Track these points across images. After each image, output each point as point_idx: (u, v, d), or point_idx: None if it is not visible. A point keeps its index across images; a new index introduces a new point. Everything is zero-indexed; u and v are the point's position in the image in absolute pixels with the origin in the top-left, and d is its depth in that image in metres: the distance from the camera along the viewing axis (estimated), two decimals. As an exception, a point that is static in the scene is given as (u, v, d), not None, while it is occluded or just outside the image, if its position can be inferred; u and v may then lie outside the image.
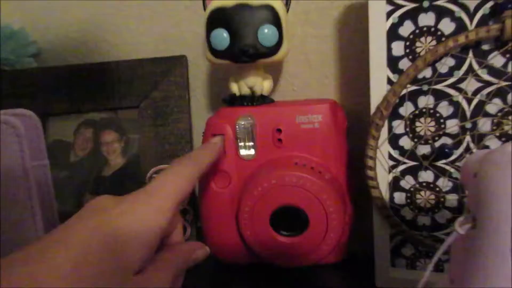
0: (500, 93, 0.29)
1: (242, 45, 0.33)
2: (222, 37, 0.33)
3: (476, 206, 0.17)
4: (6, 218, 0.27)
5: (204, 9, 0.35)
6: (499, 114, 0.29)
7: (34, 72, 0.46)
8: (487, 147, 0.30)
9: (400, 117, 0.32)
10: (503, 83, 0.29)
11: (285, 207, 0.34)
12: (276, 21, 0.33)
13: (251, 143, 0.36)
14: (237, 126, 0.36)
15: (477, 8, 0.29)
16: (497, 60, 0.29)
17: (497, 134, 0.30)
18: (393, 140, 0.32)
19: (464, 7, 0.29)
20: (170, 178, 0.25)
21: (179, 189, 0.25)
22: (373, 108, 0.31)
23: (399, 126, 0.32)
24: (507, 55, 0.29)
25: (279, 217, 0.34)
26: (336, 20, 0.39)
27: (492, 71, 0.29)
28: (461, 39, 0.28)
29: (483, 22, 0.29)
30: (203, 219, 0.39)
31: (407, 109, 0.31)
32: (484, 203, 0.17)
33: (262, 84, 0.37)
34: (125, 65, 0.45)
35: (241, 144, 0.36)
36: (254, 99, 0.37)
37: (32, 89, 0.45)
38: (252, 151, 0.36)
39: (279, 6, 0.34)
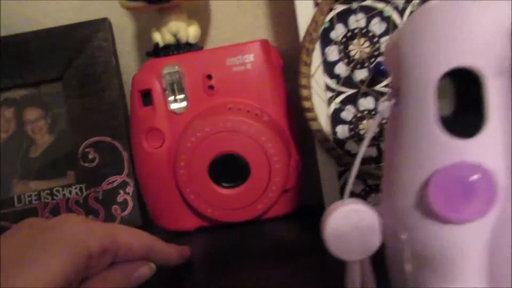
0: None
1: (154, -19, 0.30)
2: (130, -25, 0.30)
3: (398, 79, 0.15)
4: None
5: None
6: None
7: None
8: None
9: (333, 41, 0.29)
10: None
11: (222, 156, 0.31)
12: (189, -47, 0.30)
13: (181, 95, 0.33)
14: (163, 78, 0.33)
15: None
16: (424, -36, 0.27)
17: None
18: (329, 68, 0.30)
19: None
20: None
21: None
22: (302, 34, 0.29)
23: (332, 52, 0.29)
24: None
25: (218, 168, 0.32)
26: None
27: (421, -23, 0.27)
28: None
29: None
30: (142, 187, 0.36)
31: (337, 31, 0.29)
32: (406, 71, 0.14)
33: (186, 30, 0.34)
34: (43, 34, 0.41)
35: (170, 95, 0.33)
36: (180, 47, 0.34)
37: None
38: (183, 104, 0.33)
39: None
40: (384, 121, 0.16)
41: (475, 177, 0.13)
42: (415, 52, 0.14)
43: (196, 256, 0.29)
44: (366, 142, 0.16)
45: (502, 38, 0.13)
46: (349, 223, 0.16)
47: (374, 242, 0.16)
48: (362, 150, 0.16)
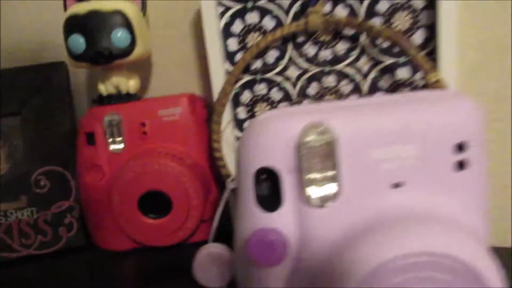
0: (317, 77, 0.35)
1: (96, 48, 0.36)
2: (78, 42, 0.36)
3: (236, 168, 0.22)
4: None
5: (65, 9, 0.38)
6: (317, 95, 0.35)
7: None
8: (311, 124, 0.35)
9: (242, 104, 0.36)
10: (315, 69, 0.34)
11: (150, 192, 0.38)
12: (128, 25, 0.37)
13: (119, 138, 0.39)
14: (105, 123, 0.39)
15: (291, 6, 0.34)
16: (309, 49, 0.34)
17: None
18: (239, 124, 0.37)
19: (279, 7, 0.34)
20: None
21: None
22: (216, 98, 0.36)
23: (241, 112, 0.36)
24: (317, 44, 0.34)
25: (146, 202, 0.38)
26: (193, 21, 0.43)
27: (307, 59, 0.34)
28: (278, 33, 0.33)
29: (296, 18, 0.34)
30: (85, 212, 0.42)
31: (245, 96, 0.36)
32: (239, 165, 0.21)
33: (127, 83, 0.40)
34: (6, 73, 0.46)
35: (110, 139, 0.39)
36: (121, 97, 0.40)
37: None
38: (121, 145, 0.39)
39: (130, 11, 0.37)
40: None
41: (271, 237, 0.20)
42: (241, 153, 0.21)
43: (126, 273, 0.35)
44: (219, 210, 0.23)
45: (291, 149, 0.20)
46: (208, 258, 0.23)
47: (227, 274, 0.23)
48: (218, 213, 0.23)
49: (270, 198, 0.20)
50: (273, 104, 0.36)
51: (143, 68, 0.45)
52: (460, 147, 0.20)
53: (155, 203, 0.38)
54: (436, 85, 0.29)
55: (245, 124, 0.37)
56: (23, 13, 0.47)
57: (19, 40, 0.48)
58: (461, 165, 0.20)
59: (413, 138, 0.19)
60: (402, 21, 0.32)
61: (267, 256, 0.20)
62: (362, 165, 0.19)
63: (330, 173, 0.19)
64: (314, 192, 0.20)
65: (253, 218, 0.20)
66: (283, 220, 0.20)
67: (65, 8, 0.38)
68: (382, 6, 0.32)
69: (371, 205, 0.20)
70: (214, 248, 0.23)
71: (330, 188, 0.20)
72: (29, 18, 0.47)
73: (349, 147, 0.19)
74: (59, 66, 0.47)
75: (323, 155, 0.19)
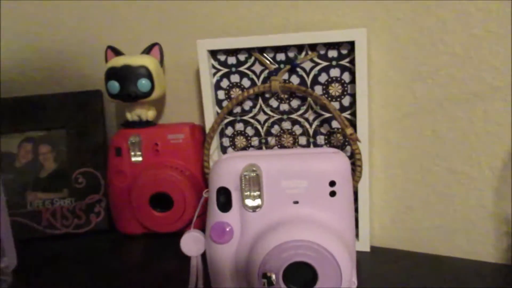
0: (278, 122, 0.50)
1: (127, 92, 0.52)
2: (114, 86, 0.52)
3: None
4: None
5: (106, 61, 0.54)
6: (278, 134, 0.50)
7: (-13, 102, 0.62)
8: (272, 153, 0.51)
9: (226, 136, 0.52)
10: (277, 116, 0.49)
11: (158, 194, 0.53)
12: (149, 75, 0.52)
13: (139, 152, 0.55)
14: (129, 142, 0.55)
15: (261, 73, 0.49)
16: (273, 103, 0.49)
17: (279, 146, 0.50)
18: (223, 150, 0.52)
19: (253, 72, 0.49)
20: None
21: None
22: (208, 131, 0.51)
23: (225, 141, 0.52)
24: (278, 100, 0.49)
25: (156, 200, 0.54)
26: (196, 70, 0.58)
27: (271, 109, 0.50)
28: (251, 91, 0.48)
29: (264, 81, 0.49)
30: (111, 205, 0.58)
31: (229, 131, 0.51)
32: (209, 183, 0.36)
33: (147, 113, 0.56)
34: (57, 96, 0.62)
35: (132, 152, 0.55)
36: (141, 124, 0.56)
37: (-14, 115, 0.62)
38: (139, 158, 0.55)
39: (152, 65, 0.53)
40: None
41: (223, 227, 0.35)
42: (211, 177, 0.36)
43: (137, 249, 0.51)
44: (198, 209, 0.38)
45: (237, 177, 0.35)
46: (189, 237, 0.38)
47: (201, 248, 0.38)
48: (197, 211, 0.38)
49: (225, 204, 0.36)
50: (247, 137, 0.51)
51: (158, 102, 0.60)
52: (332, 183, 0.35)
53: (162, 201, 0.54)
54: (351, 137, 0.44)
55: (227, 150, 0.52)
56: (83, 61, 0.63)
57: (65, 70, 0.64)
58: (332, 194, 0.35)
59: (305, 176, 0.35)
60: (335, 89, 0.47)
61: (221, 237, 0.35)
62: (275, 189, 0.35)
63: (257, 193, 0.35)
64: (249, 203, 0.35)
65: (215, 215, 0.36)
66: (232, 218, 0.35)
67: (106, 60, 0.54)
68: (322, 78, 0.47)
69: (280, 212, 0.35)
70: (193, 232, 0.38)
71: (257, 202, 0.35)
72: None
73: (268, 178, 0.35)
74: (96, 93, 0.63)
75: (253, 182, 0.35)
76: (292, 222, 0.34)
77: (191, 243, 0.38)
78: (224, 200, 0.36)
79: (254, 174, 0.35)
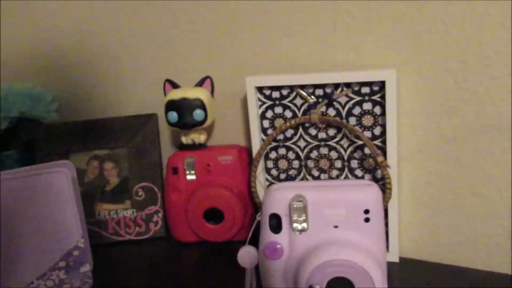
0: (316, 148, 0.57)
1: (184, 121, 0.60)
2: (173, 116, 0.60)
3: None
4: (64, 219, 0.53)
5: (165, 94, 0.62)
6: (316, 158, 0.57)
7: (59, 125, 0.72)
8: (311, 175, 0.57)
9: (270, 159, 0.59)
10: (315, 143, 0.56)
11: (211, 208, 0.61)
12: (203, 106, 0.60)
13: (193, 171, 0.63)
14: (184, 163, 0.63)
15: (301, 106, 0.56)
16: (312, 131, 0.56)
17: (316, 168, 0.57)
18: (268, 171, 0.60)
19: (295, 105, 0.56)
20: None
21: None
22: (254, 155, 0.58)
23: (270, 164, 0.59)
24: (316, 129, 0.56)
25: (209, 214, 0.62)
26: (240, 102, 0.65)
27: (311, 137, 0.57)
28: (293, 121, 0.55)
29: (304, 113, 0.56)
30: (168, 216, 0.66)
31: (272, 155, 0.59)
32: (262, 208, 0.44)
33: (199, 137, 0.64)
34: (120, 119, 0.71)
35: (187, 172, 0.63)
36: (195, 146, 0.64)
37: (59, 136, 0.71)
38: (193, 176, 0.63)
39: (205, 97, 0.61)
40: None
41: (276, 246, 0.42)
42: (264, 204, 0.43)
43: (191, 256, 0.59)
44: (252, 229, 0.46)
45: (287, 205, 0.42)
46: (245, 253, 0.46)
47: (254, 261, 0.46)
48: (251, 230, 0.46)
49: (276, 227, 0.43)
50: (289, 161, 0.58)
51: (210, 127, 0.68)
52: (366, 211, 0.41)
53: (213, 214, 0.62)
54: (382, 164, 0.50)
55: (272, 171, 0.59)
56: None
57: (125, 95, 0.73)
58: (367, 220, 0.41)
59: (344, 205, 0.41)
60: (367, 120, 0.53)
61: (273, 255, 0.43)
62: (318, 216, 0.42)
63: (303, 218, 0.42)
64: (296, 226, 0.42)
65: (268, 236, 0.43)
66: (282, 238, 0.43)
67: (165, 91, 0.62)
68: (355, 111, 0.54)
69: (322, 235, 0.42)
70: (248, 248, 0.46)
71: (304, 226, 0.42)
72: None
73: (313, 207, 0.42)
74: (152, 117, 0.71)
75: (300, 210, 0.42)
76: (333, 243, 0.41)
77: (247, 257, 0.46)
78: (275, 223, 0.43)
79: (301, 204, 0.42)
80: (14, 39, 0.81)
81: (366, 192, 0.42)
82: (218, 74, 0.65)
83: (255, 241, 0.46)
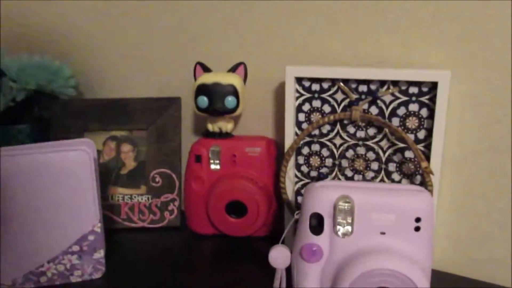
0: (353, 147, 0.54)
1: (215, 107, 0.56)
2: (203, 101, 0.57)
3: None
4: (81, 201, 0.50)
5: (195, 79, 0.59)
6: (352, 158, 0.54)
7: (77, 102, 0.68)
8: (345, 175, 0.55)
9: (302, 154, 0.56)
10: (352, 142, 0.53)
11: (234, 201, 0.58)
12: (235, 93, 0.57)
13: (217, 161, 0.60)
14: (209, 151, 0.60)
15: (342, 101, 0.53)
16: (350, 129, 0.53)
17: (351, 169, 0.54)
18: (298, 167, 0.57)
19: (335, 100, 0.53)
20: None
21: None
22: (286, 149, 0.55)
23: (301, 159, 0.56)
24: (355, 127, 0.53)
25: (231, 207, 0.59)
26: (273, 92, 0.62)
27: (348, 135, 0.54)
28: (331, 117, 0.52)
29: (344, 109, 0.53)
30: (186, 206, 0.63)
31: (304, 151, 0.56)
32: (302, 206, 0.41)
33: (226, 126, 0.61)
34: (141, 100, 0.68)
35: (212, 161, 0.60)
36: (221, 134, 0.60)
37: (76, 114, 0.67)
38: (218, 166, 0.60)
39: (238, 84, 0.57)
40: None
41: (315, 248, 0.39)
42: (305, 202, 0.40)
43: (207, 249, 0.57)
44: (288, 227, 0.43)
45: (331, 205, 0.39)
46: (278, 252, 0.43)
47: (287, 261, 0.43)
48: (287, 229, 0.43)
49: (317, 228, 0.40)
50: (322, 158, 0.55)
51: (237, 116, 0.65)
52: (418, 219, 0.38)
53: (236, 207, 0.59)
54: (425, 170, 0.48)
55: (302, 168, 0.56)
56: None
57: (148, 77, 0.69)
58: (417, 229, 0.39)
59: (394, 210, 0.39)
60: (412, 123, 0.50)
61: (311, 257, 0.40)
62: (365, 220, 0.39)
63: (348, 221, 0.39)
64: (340, 229, 0.39)
65: (307, 237, 0.40)
66: (322, 241, 0.40)
67: (195, 76, 0.58)
68: (400, 111, 0.51)
69: (367, 241, 0.39)
70: (282, 247, 0.43)
71: (348, 229, 0.39)
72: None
73: (360, 210, 0.39)
74: (176, 100, 0.68)
75: (346, 212, 0.39)
76: (379, 251, 0.38)
77: (279, 257, 0.43)
78: (316, 224, 0.40)
79: (348, 205, 0.39)
80: (35, 12, 0.77)
81: (419, 199, 0.39)
82: (251, 61, 0.61)
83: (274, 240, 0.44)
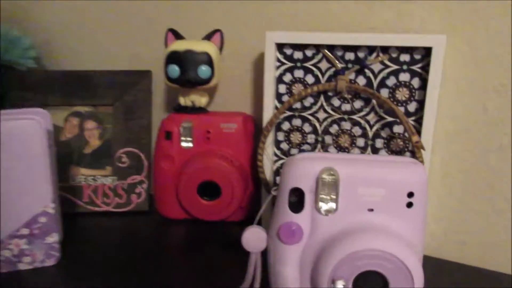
0: (338, 121, 0.49)
1: (187, 77, 0.51)
2: (174, 70, 0.51)
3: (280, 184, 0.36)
4: (31, 178, 0.44)
5: (166, 46, 0.53)
6: (337, 133, 0.49)
7: (36, 73, 0.62)
8: (328, 152, 0.50)
9: (282, 130, 0.51)
10: (337, 116, 0.49)
11: (207, 182, 0.53)
12: (210, 62, 0.51)
13: (189, 138, 0.54)
14: (181, 127, 0.54)
15: (326, 70, 0.48)
16: (335, 101, 0.48)
17: (335, 145, 0.50)
18: (277, 144, 0.52)
19: (319, 69, 0.48)
20: None
21: None
22: (264, 124, 0.50)
23: (280, 136, 0.51)
24: (341, 99, 0.48)
25: (203, 188, 0.53)
26: (255, 61, 0.57)
27: (333, 108, 0.49)
28: (315, 88, 0.47)
29: (329, 79, 0.48)
30: (155, 188, 0.58)
31: (285, 126, 0.51)
32: (281, 182, 0.36)
33: (200, 100, 0.55)
34: (106, 73, 0.62)
35: (183, 138, 0.54)
36: (194, 109, 0.55)
37: (34, 86, 0.61)
38: (190, 144, 0.55)
39: (213, 52, 0.52)
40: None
41: (294, 227, 0.34)
42: (283, 176, 0.35)
43: (177, 234, 0.51)
44: (264, 206, 0.37)
45: (313, 179, 0.34)
46: (252, 234, 0.38)
47: (262, 245, 0.38)
48: (263, 207, 0.37)
49: (296, 205, 0.35)
50: (303, 134, 0.50)
51: (212, 89, 0.59)
52: (410, 194, 0.34)
53: (208, 189, 0.53)
54: (416, 144, 0.43)
55: (282, 145, 0.51)
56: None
57: (116, 48, 0.63)
58: (409, 205, 0.34)
59: (383, 185, 0.34)
60: (402, 94, 0.46)
61: (289, 238, 0.35)
62: (351, 195, 0.34)
63: (332, 196, 0.34)
64: (322, 206, 0.34)
65: (285, 215, 0.35)
66: (302, 219, 0.35)
67: (166, 42, 0.53)
68: (390, 82, 0.46)
69: (353, 219, 0.34)
70: (256, 228, 0.38)
71: (332, 206, 0.34)
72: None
73: (345, 184, 0.34)
74: (146, 74, 0.62)
75: (330, 186, 0.34)
76: (366, 230, 0.34)
77: (253, 239, 0.38)
78: (296, 200, 0.35)
79: (332, 179, 0.34)
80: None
81: (412, 172, 0.34)
82: (229, 29, 0.56)
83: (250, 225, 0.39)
